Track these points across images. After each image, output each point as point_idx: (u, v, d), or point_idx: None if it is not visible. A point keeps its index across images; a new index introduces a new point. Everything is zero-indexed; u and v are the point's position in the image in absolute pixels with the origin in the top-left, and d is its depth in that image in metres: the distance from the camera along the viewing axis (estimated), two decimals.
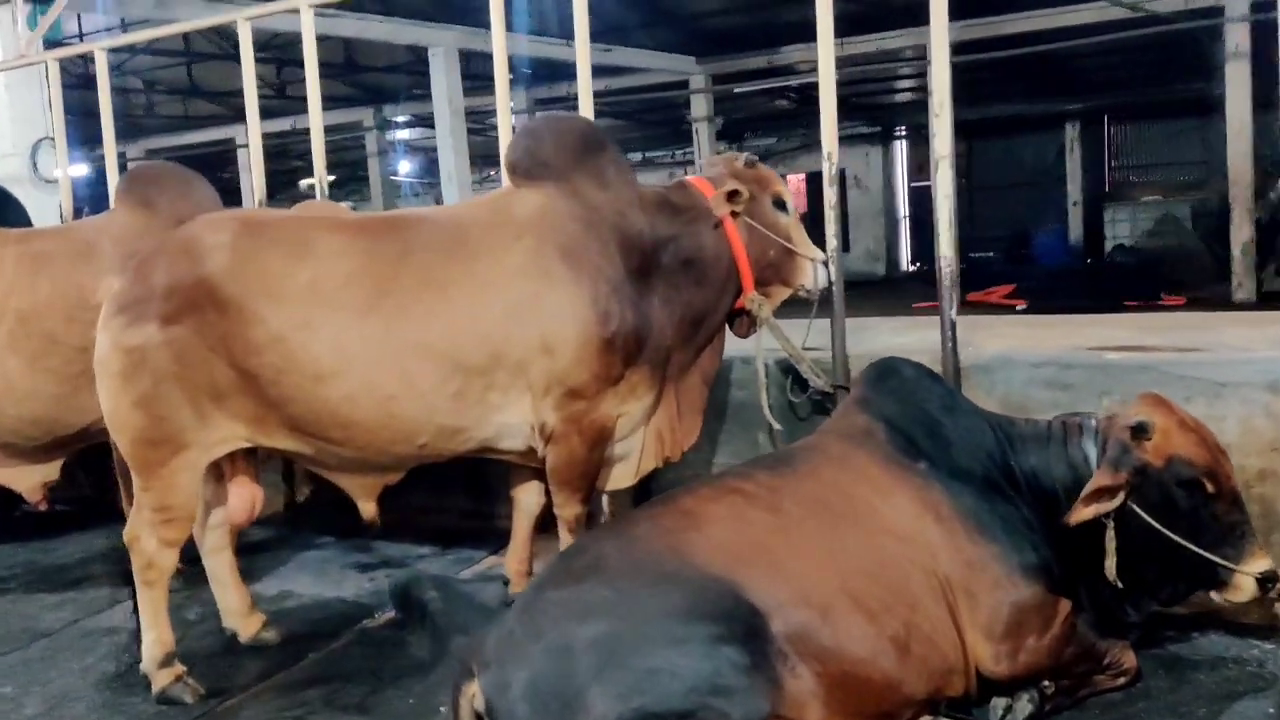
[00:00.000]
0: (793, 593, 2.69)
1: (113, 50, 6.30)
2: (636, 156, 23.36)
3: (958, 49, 14.77)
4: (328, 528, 5.05)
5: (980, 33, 14.55)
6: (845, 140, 22.77)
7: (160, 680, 3.47)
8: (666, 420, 3.84)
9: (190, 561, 3.91)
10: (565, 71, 16.71)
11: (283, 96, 18.61)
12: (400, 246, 3.46)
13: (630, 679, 2.45)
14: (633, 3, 15.15)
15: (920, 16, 4.12)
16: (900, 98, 21.30)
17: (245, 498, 3.69)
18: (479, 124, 21.93)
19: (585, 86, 4.55)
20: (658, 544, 2.76)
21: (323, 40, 16.81)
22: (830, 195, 4.16)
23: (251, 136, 5.50)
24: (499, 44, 4.73)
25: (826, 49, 4.02)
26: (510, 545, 4.05)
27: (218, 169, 20.47)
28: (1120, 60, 17.36)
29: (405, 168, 24.16)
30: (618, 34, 15.36)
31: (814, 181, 21.19)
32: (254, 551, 4.82)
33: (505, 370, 3.47)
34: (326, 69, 17.30)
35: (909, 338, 4.53)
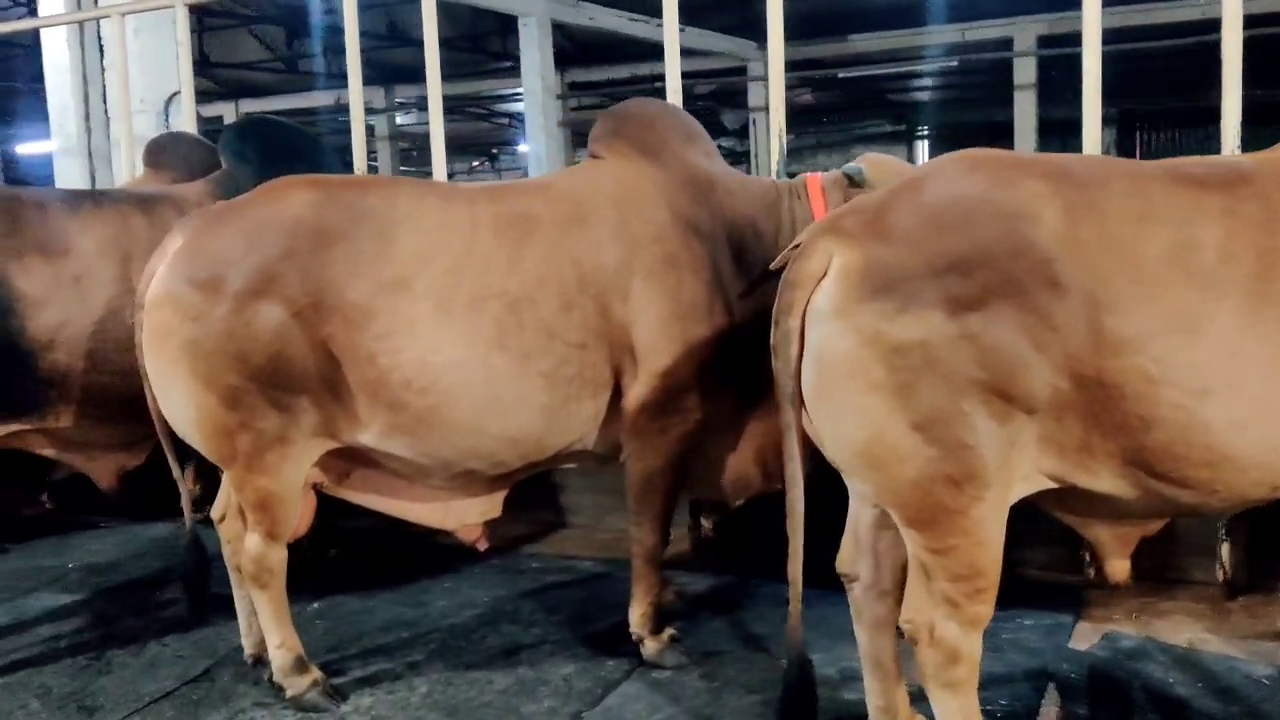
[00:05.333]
0: None
1: None
2: None
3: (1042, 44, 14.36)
4: (759, 569, 3.96)
5: (1061, 28, 14.02)
6: (867, 139, 22.27)
7: None
8: None
9: None
10: (620, 53, 15.72)
11: (294, 71, 16.95)
12: (1264, 205, 2.48)
13: None
14: None
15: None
16: (923, 96, 20.68)
17: None
18: (485, 110, 20.73)
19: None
20: None
21: (370, 8, 15.40)
22: None
23: None
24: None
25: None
26: None
27: None
28: (1156, 65, 17.00)
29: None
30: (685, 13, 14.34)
31: None
32: (702, 606, 3.84)
33: None
34: (365, 39, 15.89)
35: None
